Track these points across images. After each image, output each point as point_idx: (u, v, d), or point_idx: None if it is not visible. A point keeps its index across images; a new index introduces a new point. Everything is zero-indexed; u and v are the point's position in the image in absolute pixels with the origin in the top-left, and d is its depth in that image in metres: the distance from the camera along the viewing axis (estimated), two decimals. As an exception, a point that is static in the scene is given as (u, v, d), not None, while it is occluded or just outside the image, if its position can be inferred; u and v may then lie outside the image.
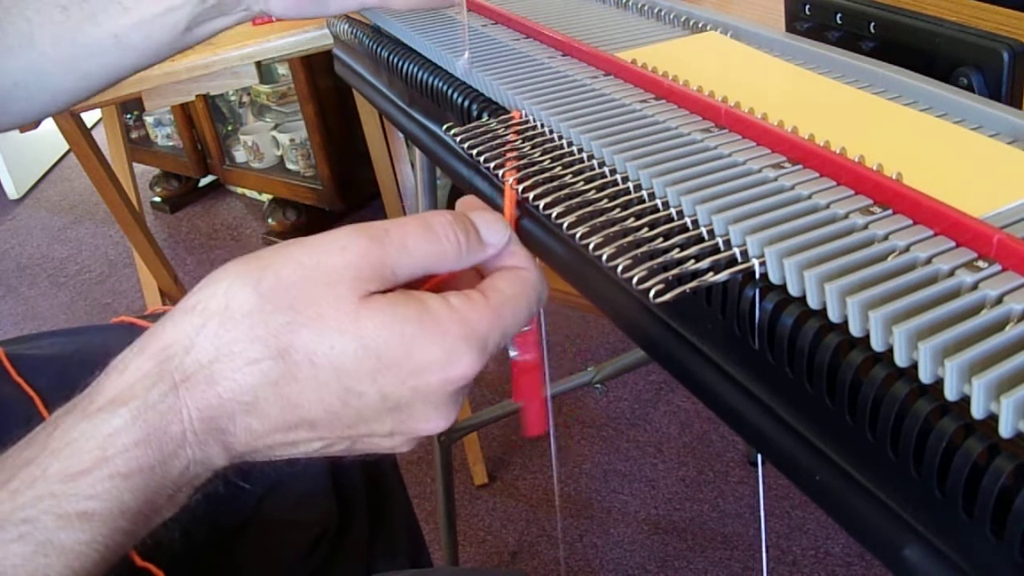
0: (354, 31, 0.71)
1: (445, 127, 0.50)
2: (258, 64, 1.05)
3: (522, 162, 0.44)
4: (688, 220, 0.36)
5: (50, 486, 0.30)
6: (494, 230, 0.35)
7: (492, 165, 0.44)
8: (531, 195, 0.41)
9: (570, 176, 0.41)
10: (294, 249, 0.32)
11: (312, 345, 0.31)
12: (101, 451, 0.30)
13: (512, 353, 0.40)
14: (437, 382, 0.32)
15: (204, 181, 2.58)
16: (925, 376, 0.26)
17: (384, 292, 0.32)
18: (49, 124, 1.06)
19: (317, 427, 0.32)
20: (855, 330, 0.28)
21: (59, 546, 0.29)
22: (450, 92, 0.54)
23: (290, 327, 0.31)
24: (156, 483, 0.31)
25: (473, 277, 0.36)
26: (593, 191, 0.40)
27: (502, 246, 0.35)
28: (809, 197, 0.35)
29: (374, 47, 0.66)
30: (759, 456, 0.37)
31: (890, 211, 0.33)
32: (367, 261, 0.32)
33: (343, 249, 0.32)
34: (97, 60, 0.56)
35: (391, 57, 0.63)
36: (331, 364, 0.31)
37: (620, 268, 0.35)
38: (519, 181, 0.42)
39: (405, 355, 0.31)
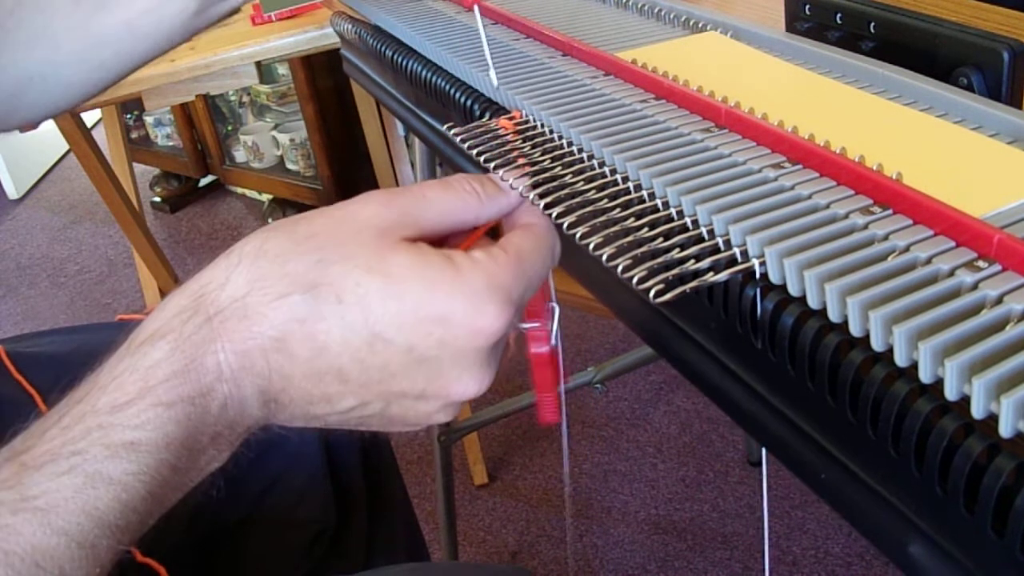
0: (357, 31, 0.71)
1: (446, 126, 0.50)
2: (258, 64, 1.05)
3: (522, 162, 0.44)
4: (688, 220, 0.36)
5: (98, 418, 0.31)
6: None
7: (493, 165, 0.44)
8: (531, 195, 0.41)
9: (570, 176, 0.41)
10: (324, 207, 0.35)
11: (339, 281, 0.32)
12: (144, 382, 0.31)
13: (540, 349, 0.44)
14: (464, 334, 0.33)
15: (204, 181, 2.58)
16: (925, 376, 0.26)
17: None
18: (49, 124, 1.06)
19: (347, 378, 0.33)
20: (855, 330, 0.28)
21: (107, 477, 0.30)
22: (452, 91, 0.54)
23: (320, 265, 0.32)
24: (197, 416, 0.32)
25: (488, 245, 0.37)
26: (593, 191, 0.40)
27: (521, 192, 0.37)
28: (809, 197, 0.35)
29: (378, 47, 0.66)
30: (763, 457, 0.38)
31: (890, 211, 0.33)
32: (390, 209, 0.34)
33: (367, 200, 0.35)
34: (111, 48, 0.57)
35: (395, 56, 0.63)
36: (358, 302, 0.32)
37: (620, 268, 0.35)
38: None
39: (429, 300, 0.32)
